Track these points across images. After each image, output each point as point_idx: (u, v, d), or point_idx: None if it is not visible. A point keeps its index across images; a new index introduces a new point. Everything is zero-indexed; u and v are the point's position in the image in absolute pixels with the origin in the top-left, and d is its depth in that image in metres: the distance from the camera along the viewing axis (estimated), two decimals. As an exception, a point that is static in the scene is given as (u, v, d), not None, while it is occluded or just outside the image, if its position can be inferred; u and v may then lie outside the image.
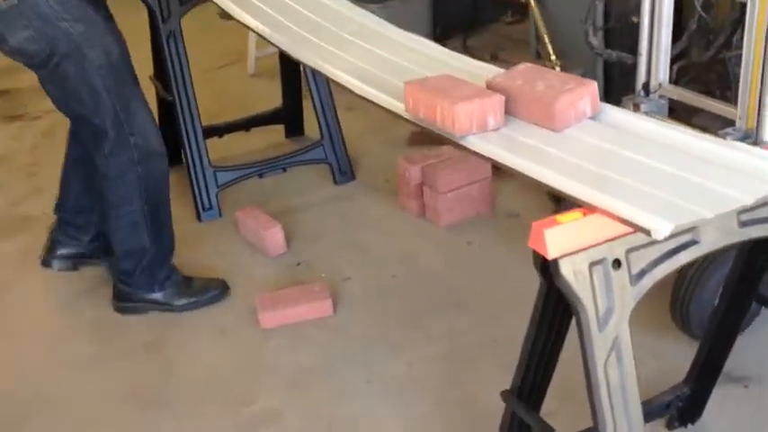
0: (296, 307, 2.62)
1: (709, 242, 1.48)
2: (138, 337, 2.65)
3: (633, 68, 3.00)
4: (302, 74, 3.60)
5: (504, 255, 2.92)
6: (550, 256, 1.35)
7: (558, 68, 3.31)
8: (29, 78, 4.80)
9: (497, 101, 1.73)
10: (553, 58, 3.37)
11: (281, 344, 2.58)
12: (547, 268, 1.41)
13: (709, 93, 2.87)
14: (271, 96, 4.06)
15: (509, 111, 1.76)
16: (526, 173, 1.57)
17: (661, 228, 1.29)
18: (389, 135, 3.82)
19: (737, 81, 2.48)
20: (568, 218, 1.37)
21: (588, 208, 1.40)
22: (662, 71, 2.69)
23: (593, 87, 1.73)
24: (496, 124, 1.72)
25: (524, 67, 1.85)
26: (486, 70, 2.04)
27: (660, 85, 2.70)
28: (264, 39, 2.49)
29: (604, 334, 1.40)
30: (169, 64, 3.10)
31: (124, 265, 2.68)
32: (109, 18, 2.50)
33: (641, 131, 1.68)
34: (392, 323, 2.62)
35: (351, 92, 2.03)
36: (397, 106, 1.88)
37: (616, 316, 1.41)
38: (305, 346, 2.57)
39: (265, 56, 4.60)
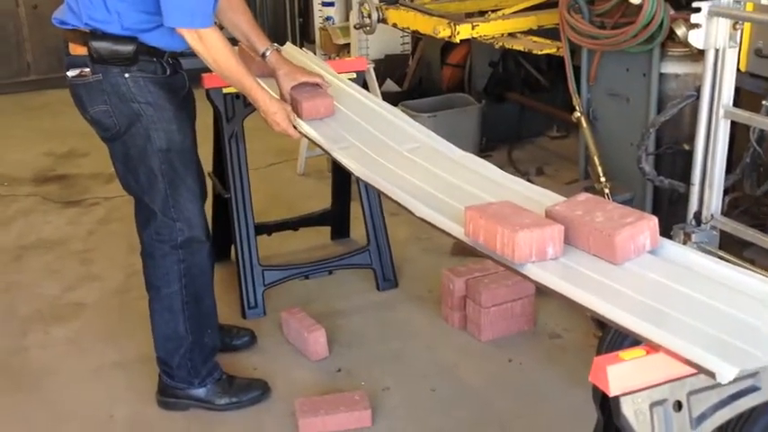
0: (335, 415, 2.60)
1: (770, 389, 1.46)
2: (178, 435, 2.64)
3: (682, 196, 3.03)
4: (352, 178, 3.66)
5: (545, 376, 2.89)
6: (612, 393, 1.34)
7: (607, 191, 3.33)
8: (88, 165, 5.03)
9: (557, 231, 1.75)
10: (603, 179, 3.39)
11: (319, 452, 2.56)
12: (606, 404, 1.40)
13: (758, 226, 2.88)
14: (317, 196, 4.14)
15: (568, 240, 1.78)
16: (586, 305, 1.58)
17: (726, 371, 1.30)
18: (433, 243, 3.85)
19: (791, 217, 2.50)
20: (631, 355, 1.37)
21: (651, 346, 1.40)
22: (714, 202, 2.71)
23: (653, 222, 1.76)
24: (555, 254, 1.75)
25: (584, 197, 1.88)
26: (543, 195, 2.08)
27: (712, 216, 2.71)
28: (325, 152, 2.55)
29: (663, 477, 1.38)
30: (228, 163, 3.18)
31: (161, 353, 2.70)
32: (181, 108, 2.58)
33: (701, 269, 1.70)
34: (430, 440, 2.59)
35: (410, 212, 2.07)
36: (456, 230, 1.91)
37: (675, 459, 1.39)
38: (341, 456, 2.54)
39: (315, 156, 4.71)
